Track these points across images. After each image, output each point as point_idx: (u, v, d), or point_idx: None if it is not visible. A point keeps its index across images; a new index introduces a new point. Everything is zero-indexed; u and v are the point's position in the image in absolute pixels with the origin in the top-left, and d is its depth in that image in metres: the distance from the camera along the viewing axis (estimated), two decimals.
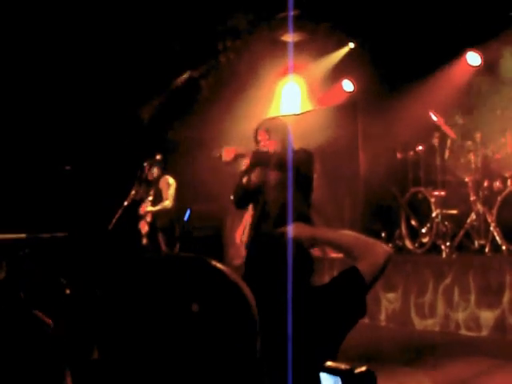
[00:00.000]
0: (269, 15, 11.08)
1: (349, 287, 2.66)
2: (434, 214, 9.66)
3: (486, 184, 9.35)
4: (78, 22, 10.43)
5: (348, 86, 11.88)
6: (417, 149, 10.31)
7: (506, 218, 8.80)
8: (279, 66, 11.60)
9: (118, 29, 10.67)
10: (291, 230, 2.68)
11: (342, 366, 1.36)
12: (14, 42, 10.45)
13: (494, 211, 8.93)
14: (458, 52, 10.43)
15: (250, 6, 10.95)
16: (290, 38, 11.20)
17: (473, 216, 9.32)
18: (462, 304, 8.64)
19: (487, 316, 8.34)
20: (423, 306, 9.06)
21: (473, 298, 8.55)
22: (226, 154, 6.48)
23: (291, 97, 12.56)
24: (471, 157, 9.43)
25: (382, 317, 9.50)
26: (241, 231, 8.87)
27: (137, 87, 11.83)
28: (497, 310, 8.27)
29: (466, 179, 9.55)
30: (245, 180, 6.29)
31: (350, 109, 11.93)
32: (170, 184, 10.05)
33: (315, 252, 9.29)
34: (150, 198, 9.98)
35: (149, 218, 9.95)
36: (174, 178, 10.21)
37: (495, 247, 8.98)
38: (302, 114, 12.31)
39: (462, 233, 9.42)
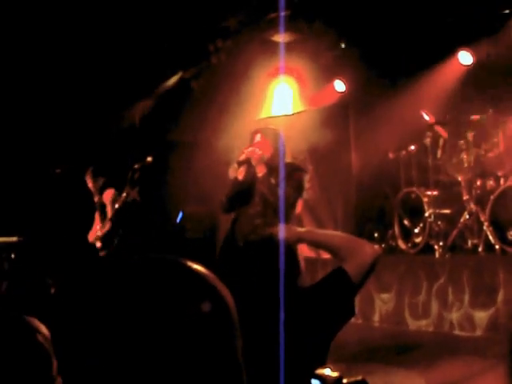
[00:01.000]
0: (260, 16, 11.05)
1: (336, 288, 2.64)
2: (426, 214, 9.65)
3: (478, 183, 9.34)
4: (66, 23, 10.39)
5: (340, 86, 11.86)
6: (409, 148, 10.30)
7: (499, 217, 8.79)
8: (271, 67, 11.59)
9: (108, 30, 10.63)
10: (279, 231, 2.66)
11: (333, 375, 1.33)
12: None
13: (487, 210, 8.91)
14: (449, 51, 10.41)
15: (240, 6, 10.92)
16: (281, 38, 11.18)
17: (466, 215, 9.30)
18: (455, 304, 8.63)
19: (481, 316, 8.33)
20: (417, 306, 9.05)
21: (466, 297, 8.54)
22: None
23: (283, 97, 12.54)
24: (464, 156, 9.42)
25: (376, 317, 9.49)
26: None
27: (128, 89, 11.79)
28: (490, 309, 8.26)
29: (459, 178, 9.54)
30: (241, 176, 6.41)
31: (342, 109, 11.92)
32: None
33: (309, 253, 9.28)
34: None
35: None
36: (168, 179, 10.17)
37: (488, 246, 8.96)
38: (293, 114, 12.29)
39: (455, 232, 9.40)
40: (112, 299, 1.12)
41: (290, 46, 10.94)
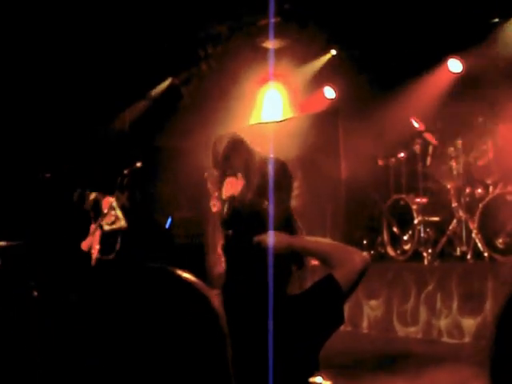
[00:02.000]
0: (249, 22, 11.06)
1: (325, 295, 2.63)
2: (415, 221, 9.66)
3: (467, 191, 9.35)
4: (58, 29, 10.36)
5: (330, 92, 11.87)
6: (398, 155, 10.31)
7: (488, 224, 8.80)
8: (260, 73, 11.59)
9: (98, 36, 10.61)
10: (268, 238, 2.65)
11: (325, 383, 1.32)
12: None
13: (476, 218, 8.92)
14: (439, 59, 10.44)
15: (231, 12, 10.92)
16: (271, 44, 11.19)
17: (454, 223, 9.32)
18: (444, 311, 8.63)
19: (469, 323, 8.34)
20: (405, 313, 9.05)
21: (455, 305, 8.55)
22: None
23: (272, 103, 12.54)
24: (453, 163, 9.44)
25: (365, 324, 9.48)
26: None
27: (118, 94, 11.77)
28: (479, 316, 8.27)
29: (448, 186, 9.55)
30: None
31: (332, 115, 11.93)
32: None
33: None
34: None
35: None
36: (157, 185, 10.16)
37: (477, 254, 8.97)
38: (283, 120, 12.29)
39: (443, 240, 9.42)
40: (100, 309, 1.11)
41: (280, 52, 10.96)
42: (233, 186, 5.22)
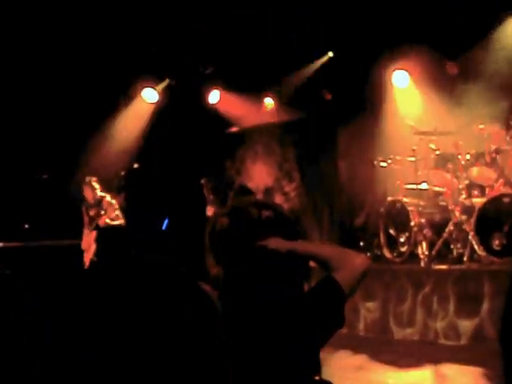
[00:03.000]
0: None
1: (327, 298, 2.64)
2: (412, 223, 9.66)
3: (464, 193, 9.37)
4: (51, 32, 10.35)
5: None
6: (395, 158, 10.31)
7: (484, 227, 8.82)
8: None
9: (91, 36, 10.60)
10: (270, 243, 2.65)
11: None
12: None
13: (473, 220, 8.93)
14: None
15: None
16: None
17: (451, 225, 9.33)
18: (440, 313, 8.64)
19: (466, 325, 8.35)
20: (402, 315, 9.06)
21: (451, 306, 8.56)
22: None
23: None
24: (450, 166, 9.45)
25: (361, 326, 9.48)
26: None
27: (118, 94, 11.80)
28: (475, 318, 8.28)
29: (445, 188, 9.57)
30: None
31: (329, 118, 11.92)
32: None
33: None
34: None
35: None
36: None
37: (473, 256, 8.99)
38: (279, 123, 12.28)
39: (440, 242, 9.43)
40: (98, 305, 1.10)
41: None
42: None
